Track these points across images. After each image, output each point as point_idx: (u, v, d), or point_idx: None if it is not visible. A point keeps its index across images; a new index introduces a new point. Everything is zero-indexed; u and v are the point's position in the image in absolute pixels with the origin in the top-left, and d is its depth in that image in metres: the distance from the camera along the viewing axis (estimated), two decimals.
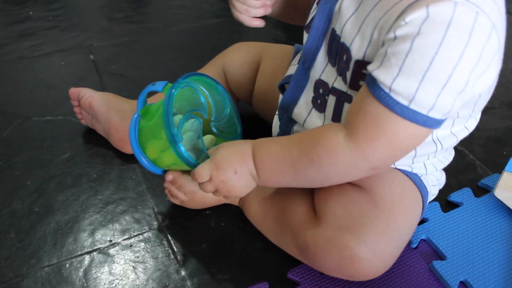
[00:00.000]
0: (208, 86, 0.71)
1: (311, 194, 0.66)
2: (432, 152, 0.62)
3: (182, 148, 0.62)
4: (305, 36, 0.63)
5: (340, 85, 0.59)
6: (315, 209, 0.63)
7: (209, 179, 0.59)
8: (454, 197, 0.77)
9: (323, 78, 0.61)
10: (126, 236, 0.70)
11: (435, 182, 0.68)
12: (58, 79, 1.01)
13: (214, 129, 0.71)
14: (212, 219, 0.73)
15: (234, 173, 0.59)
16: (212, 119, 0.70)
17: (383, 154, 0.52)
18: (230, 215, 0.74)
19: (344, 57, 0.56)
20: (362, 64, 0.54)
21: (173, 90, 0.63)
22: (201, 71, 0.87)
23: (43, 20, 1.20)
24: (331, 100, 0.61)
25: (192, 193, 0.71)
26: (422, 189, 0.64)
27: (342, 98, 0.59)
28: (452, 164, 0.70)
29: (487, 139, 0.91)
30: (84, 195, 0.76)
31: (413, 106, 0.48)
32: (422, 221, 0.72)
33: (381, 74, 0.48)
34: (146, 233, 0.71)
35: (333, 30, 0.58)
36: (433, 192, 0.68)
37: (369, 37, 0.52)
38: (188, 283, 0.65)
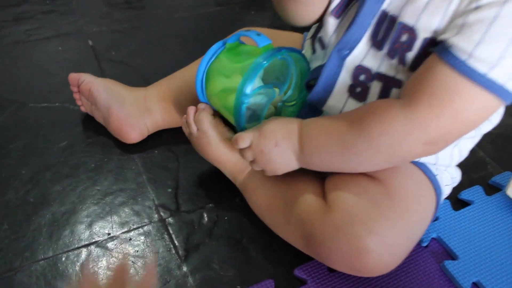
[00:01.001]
0: (300, 68, 0.65)
1: (321, 183, 0.63)
2: (470, 136, 0.61)
3: (245, 105, 0.61)
4: (331, 21, 0.60)
5: (388, 69, 0.56)
6: (324, 198, 0.61)
7: (249, 145, 0.60)
8: (465, 195, 0.75)
9: (365, 63, 0.57)
10: (125, 229, 0.68)
11: (449, 181, 0.66)
12: (55, 65, 0.97)
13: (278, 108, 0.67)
14: (216, 213, 0.70)
15: (275, 146, 0.58)
16: (284, 99, 0.66)
17: (446, 125, 0.49)
18: (234, 209, 0.71)
19: (405, 37, 0.52)
20: (430, 41, 0.51)
21: (278, 56, 0.61)
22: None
23: (41, 4, 1.16)
24: (375, 87, 0.57)
25: (203, 133, 0.69)
26: (436, 188, 0.61)
27: (390, 84, 0.56)
28: (463, 161, 0.67)
29: (498, 136, 0.88)
30: (82, 186, 0.73)
31: (492, 74, 0.46)
32: (433, 220, 0.70)
33: (460, 40, 0.47)
34: (146, 226, 0.68)
35: (383, 12, 0.54)
36: (446, 192, 0.66)
37: (441, 12, 0.50)
38: (190, 279, 0.62)
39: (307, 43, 0.68)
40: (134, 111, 0.78)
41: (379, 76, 0.56)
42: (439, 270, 0.64)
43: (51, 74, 0.95)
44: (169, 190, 0.73)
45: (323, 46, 0.63)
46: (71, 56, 1.00)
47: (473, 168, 0.81)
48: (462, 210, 0.72)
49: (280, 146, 0.58)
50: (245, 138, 0.60)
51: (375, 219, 0.55)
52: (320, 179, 0.64)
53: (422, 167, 0.61)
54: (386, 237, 0.54)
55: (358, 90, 0.59)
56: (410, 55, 0.53)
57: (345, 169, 0.58)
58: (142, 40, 1.07)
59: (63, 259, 0.64)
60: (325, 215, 0.57)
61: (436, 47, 0.50)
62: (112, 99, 0.78)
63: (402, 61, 0.54)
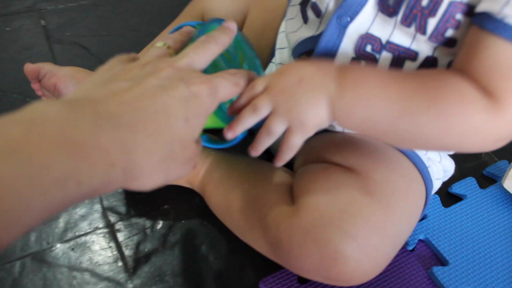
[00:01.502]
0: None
1: (288, 180, 0.55)
2: None
3: None
4: None
5: (402, 38, 0.46)
6: (292, 197, 0.52)
7: (263, 89, 0.43)
8: (456, 188, 0.67)
9: (373, 32, 0.47)
10: (68, 237, 0.59)
11: (440, 174, 0.57)
12: None
13: None
14: (170, 216, 0.61)
15: (299, 82, 0.43)
16: None
17: None
18: (193, 210, 0.62)
19: (425, 2, 0.43)
20: (458, 5, 0.41)
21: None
22: (175, 21, 0.75)
23: None
24: (385, 59, 0.47)
25: None
26: (427, 182, 0.52)
27: (403, 55, 0.46)
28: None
29: None
30: None
31: None
32: (420, 218, 0.62)
33: None
34: (90, 234, 0.59)
35: None
36: (435, 187, 0.57)
37: None
38: None
39: (293, 10, 0.57)
40: None
41: (391, 46, 0.47)
42: (427, 278, 0.56)
43: None
44: (119, 190, 0.64)
45: (318, 13, 0.51)
46: (19, 37, 0.89)
47: (465, 157, 0.72)
48: (453, 206, 0.64)
49: (306, 84, 0.43)
50: (258, 81, 0.44)
51: (351, 220, 0.46)
52: (287, 176, 0.55)
53: (413, 157, 0.53)
54: (366, 242, 0.46)
55: (363, 62, 0.49)
56: (433, 22, 0.43)
57: (391, 138, 0.45)
58: (101, 18, 0.97)
59: None
60: (292, 217, 0.48)
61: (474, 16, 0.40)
62: None
63: (421, 29, 0.44)
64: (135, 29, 0.95)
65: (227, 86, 0.40)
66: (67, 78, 0.65)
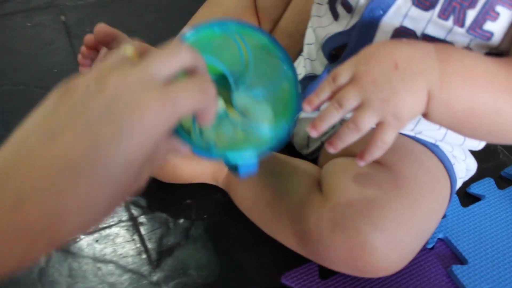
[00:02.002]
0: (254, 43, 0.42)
1: (316, 173, 0.56)
2: None
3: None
4: None
5: (438, 31, 0.45)
6: (320, 189, 0.53)
7: (350, 79, 0.38)
8: (475, 188, 0.67)
9: (407, 24, 0.46)
10: (91, 229, 0.60)
11: (463, 173, 0.58)
12: (21, 42, 0.87)
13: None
14: (193, 211, 0.62)
15: (395, 69, 0.37)
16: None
17: None
18: (214, 206, 0.63)
19: None
20: None
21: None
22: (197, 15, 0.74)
23: None
24: None
25: (166, 163, 0.58)
26: (452, 178, 0.53)
27: None
28: (471, 150, 0.60)
29: None
30: None
31: None
32: None
33: None
34: (114, 227, 0.60)
35: None
36: (458, 185, 0.58)
37: None
38: None
39: (321, 8, 0.56)
40: None
41: (426, 38, 0.46)
42: (446, 276, 0.57)
43: (14, 52, 0.86)
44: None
45: (349, 9, 0.50)
46: (40, 33, 0.90)
47: (484, 157, 0.73)
48: (472, 206, 0.64)
49: (403, 69, 0.37)
50: (342, 70, 0.39)
51: (380, 212, 0.47)
52: (314, 169, 0.56)
53: (439, 154, 0.53)
54: (393, 234, 0.47)
55: None
56: (472, 14, 0.42)
57: (480, 133, 0.42)
58: (119, 14, 0.98)
59: None
60: (321, 208, 0.49)
61: None
62: None
63: (460, 21, 0.43)
64: (152, 25, 0.95)
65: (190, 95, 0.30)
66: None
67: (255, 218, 0.57)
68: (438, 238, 0.61)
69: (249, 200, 0.57)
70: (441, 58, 0.38)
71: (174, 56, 0.30)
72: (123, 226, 0.60)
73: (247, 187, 0.57)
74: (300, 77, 0.62)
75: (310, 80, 0.58)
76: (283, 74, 0.39)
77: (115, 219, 0.61)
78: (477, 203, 0.65)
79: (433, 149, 0.53)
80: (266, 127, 0.39)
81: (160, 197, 0.63)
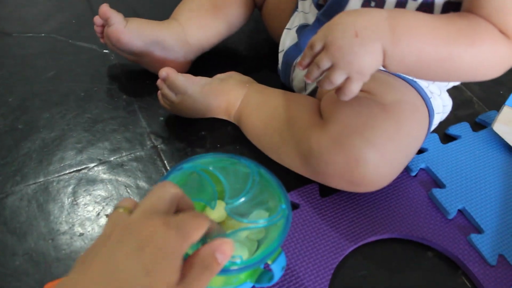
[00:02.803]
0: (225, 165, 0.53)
1: (315, 103, 0.64)
2: None
3: None
4: None
5: None
6: (320, 116, 0.61)
7: (322, 47, 0.49)
8: (453, 130, 0.76)
9: None
10: (117, 155, 0.67)
11: (440, 109, 0.67)
12: None
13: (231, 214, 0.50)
14: (207, 141, 0.70)
15: (355, 36, 0.48)
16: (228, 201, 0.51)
17: None
18: (226, 137, 0.71)
19: None
20: None
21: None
22: None
23: None
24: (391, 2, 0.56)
25: (183, 94, 0.66)
26: (429, 108, 0.62)
27: None
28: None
29: None
30: (71, 113, 0.72)
31: None
32: (421, 151, 0.71)
33: None
34: (138, 153, 0.68)
35: None
36: (435, 121, 0.67)
37: None
38: None
39: None
40: (177, 49, 0.74)
41: None
42: (427, 198, 0.66)
43: (36, 3, 0.92)
44: (161, 118, 0.72)
45: None
46: None
47: (460, 107, 0.82)
48: (450, 143, 0.74)
49: (362, 36, 0.48)
50: (316, 40, 0.49)
51: (372, 130, 0.55)
52: (315, 100, 0.64)
53: (417, 87, 0.62)
54: (384, 148, 0.55)
55: (372, 4, 0.57)
56: None
57: (432, 76, 0.54)
58: None
59: (55, 183, 0.63)
60: (321, 129, 0.57)
61: None
62: (150, 44, 0.73)
63: None
64: None
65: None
66: (131, 34, 0.71)
67: (263, 145, 0.66)
68: (421, 168, 0.70)
69: (258, 128, 0.65)
70: (392, 23, 0.49)
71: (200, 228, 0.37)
72: (146, 153, 0.68)
73: (258, 117, 0.66)
74: (296, 27, 0.70)
75: (304, 28, 0.68)
76: (279, 211, 0.49)
77: (139, 147, 0.68)
78: (454, 141, 0.74)
79: (411, 83, 0.62)
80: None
81: (179, 129, 0.71)
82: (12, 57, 0.80)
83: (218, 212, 0.51)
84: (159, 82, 0.67)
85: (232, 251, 0.39)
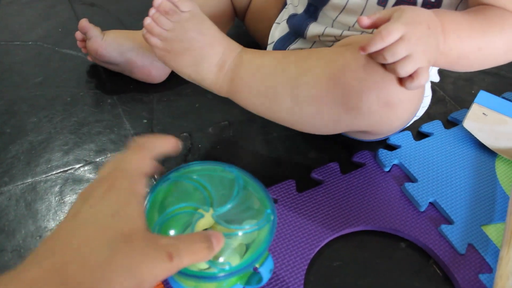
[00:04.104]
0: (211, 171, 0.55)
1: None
2: None
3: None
4: None
5: None
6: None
7: (400, 38, 0.50)
8: (425, 128, 0.80)
9: None
10: (103, 156, 0.70)
11: (427, 92, 0.70)
12: (25, 5, 0.97)
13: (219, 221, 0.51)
14: (190, 141, 0.73)
15: (428, 28, 0.51)
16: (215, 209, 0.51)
17: None
18: (207, 138, 0.74)
19: None
20: None
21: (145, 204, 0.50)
22: None
23: None
24: None
25: (173, 31, 0.60)
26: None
27: None
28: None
29: (457, 78, 0.94)
30: (58, 117, 0.75)
31: None
32: (394, 148, 0.75)
33: None
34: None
35: None
36: (417, 116, 0.71)
37: None
38: None
39: None
40: (153, 54, 0.76)
41: None
42: (400, 192, 0.69)
43: (23, 12, 0.95)
44: (144, 121, 0.75)
45: None
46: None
47: (434, 106, 0.86)
48: (423, 140, 0.77)
49: (432, 31, 0.52)
50: (391, 30, 0.49)
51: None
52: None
53: None
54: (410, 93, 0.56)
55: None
56: None
57: (469, 65, 0.59)
58: None
59: (42, 183, 0.66)
60: (353, 55, 0.55)
61: None
62: (128, 54, 0.76)
63: None
64: None
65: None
66: (109, 46, 0.75)
67: (273, 85, 0.59)
68: (394, 164, 0.73)
69: (268, 66, 0.60)
70: (441, 19, 0.54)
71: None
72: None
73: (268, 57, 0.61)
74: (285, 20, 0.74)
75: (294, 16, 0.71)
76: (265, 216, 0.51)
77: (123, 148, 0.71)
78: (427, 138, 0.78)
79: None
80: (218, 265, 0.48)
81: (160, 131, 0.74)
82: (0, 64, 0.83)
83: (206, 219, 0.51)
84: (151, 12, 0.62)
85: (222, 243, 0.42)
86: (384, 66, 0.54)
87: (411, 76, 0.52)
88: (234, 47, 0.63)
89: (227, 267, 0.47)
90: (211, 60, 0.61)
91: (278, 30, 0.75)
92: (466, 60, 0.57)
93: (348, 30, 0.66)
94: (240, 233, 0.50)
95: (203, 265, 0.48)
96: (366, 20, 0.51)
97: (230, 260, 0.48)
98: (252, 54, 0.62)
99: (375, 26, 0.52)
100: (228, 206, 0.51)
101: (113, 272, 0.34)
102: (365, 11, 0.64)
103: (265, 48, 0.79)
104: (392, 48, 0.50)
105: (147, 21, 0.62)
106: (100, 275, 0.33)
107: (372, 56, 0.53)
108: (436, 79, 0.74)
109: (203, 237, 0.40)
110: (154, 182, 0.51)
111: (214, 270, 0.47)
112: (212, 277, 0.46)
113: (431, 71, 0.68)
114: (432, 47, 0.52)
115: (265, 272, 0.51)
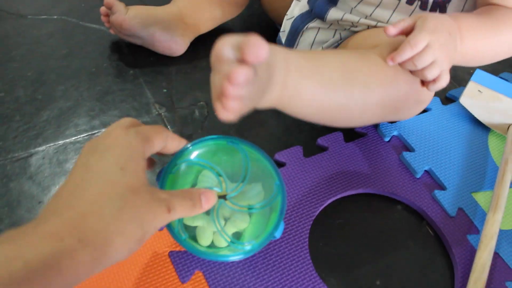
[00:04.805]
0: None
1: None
2: None
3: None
4: None
5: None
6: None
7: (426, 46, 0.55)
8: None
9: None
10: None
11: None
12: None
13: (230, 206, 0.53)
14: (206, 110, 0.79)
15: (449, 35, 0.57)
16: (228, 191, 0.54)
17: None
18: None
19: None
20: None
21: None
22: None
23: None
24: None
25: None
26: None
27: None
28: None
29: None
30: (84, 86, 0.81)
31: None
32: (393, 121, 0.81)
33: None
34: (145, 119, 0.77)
35: None
36: None
37: None
38: None
39: None
40: (175, 29, 0.84)
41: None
42: (398, 160, 0.75)
43: None
44: (164, 90, 0.81)
45: None
46: None
47: None
48: (421, 114, 0.83)
49: (452, 37, 0.58)
50: (418, 40, 0.55)
51: None
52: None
53: None
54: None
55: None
56: None
57: (481, 61, 0.66)
58: None
59: (71, 145, 0.72)
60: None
61: None
62: (150, 28, 0.82)
63: None
64: None
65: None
66: (132, 20, 0.81)
67: (336, 107, 0.58)
68: (393, 135, 0.79)
69: (325, 91, 0.56)
70: (458, 24, 0.60)
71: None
72: (152, 119, 0.77)
73: (317, 79, 0.56)
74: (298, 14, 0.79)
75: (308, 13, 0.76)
76: (275, 188, 0.54)
77: (145, 114, 0.77)
78: (425, 113, 0.84)
79: None
80: (246, 240, 0.52)
81: (179, 100, 0.80)
82: (29, 37, 0.89)
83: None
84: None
85: (213, 201, 0.46)
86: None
87: (433, 80, 0.59)
88: (290, 63, 0.52)
89: (250, 246, 0.52)
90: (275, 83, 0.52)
91: (299, 6, 0.81)
92: (480, 58, 0.65)
93: (365, 18, 0.72)
94: (254, 211, 0.54)
95: (223, 243, 0.52)
96: (392, 30, 0.57)
97: (250, 236, 0.53)
98: (309, 65, 0.54)
99: (401, 34, 0.58)
100: (240, 188, 0.53)
101: (125, 222, 0.37)
102: (382, 3, 0.70)
103: (280, 24, 0.84)
104: (420, 56, 0.55)
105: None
106: (114, 226, 0.37)
107: (402, 65, 0.58)
108: None
109: (193, 194, 0.45)
110: (162, 168, 0.53)
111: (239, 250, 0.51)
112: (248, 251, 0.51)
113: None
114: (452, 51, 0.58)
115: (279, 233, 0.55)
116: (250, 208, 0.54)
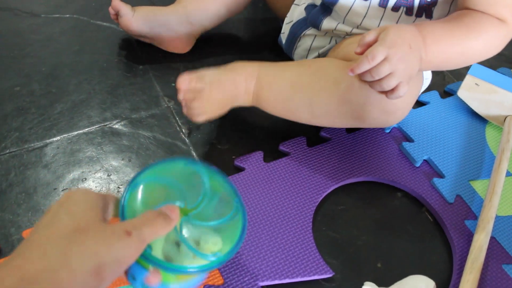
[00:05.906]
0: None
1: (334, 57, 0.74)
2: None
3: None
4: None
5: None
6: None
7: (384, 59, 0.57)
8: (423, 97, 0.88)
9: None
10: (137, 114, 0.79)
11: (427, 75, 0.79)
12: None
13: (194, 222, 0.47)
14: None
15: (409, 48, 0.59)
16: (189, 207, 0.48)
17: None
18: None
19: None
20: None
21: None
22: None
23: None
24: None
25: (202, 89, 0.68)
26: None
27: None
28: None
29: None
30: (96, 80, 0.84)
31: None
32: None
33: None
34: (154, 111, 0.80)
35: None
36: (425, 83, 0.80)
37: None
38: (193, 152, 0.75)
39: None
40: (181, 28, 0.87)
41: None
42: (398, 150, 0.78)
43: None
44: (173, 84, 0.84)
45: None
46: None
47: (432, 78, 0.93)
48: (420, 108, 0.86)
49: (413, 50, 0.59)
50: (376, 53, 0.57)
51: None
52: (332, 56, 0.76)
53: None
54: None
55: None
56: None
57: (452, 66, 0.68)
58: None
59: (84, 136, 0.75)
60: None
61: None
62: (156, 29, 0.86)
63: None
64: None
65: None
66: (138, 22, 0.85)
67: (292, 105, 0.70)
68: (394, 127, 0.82)
69: (285, 91, 0.69)
70: (423, 35, 0.62)
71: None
72: (161, 112, 0.80)
73: (282, 81, 0.70)
74: (304, 5, 0.82)
75: (312, 7, 0.79)
76: (234, 207, 0.50)
77: (154, 107, 0.80)
78: (424, 106, 0.86)
79: None
80: (209, 254, 0.46)
81: None
82: (42, 34, 0.92)
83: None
84: (180, 96, 0.69)
85: (178, 214, 0.44)
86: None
87: (392, 89, 0.61)
88: (252, 71, 0.70)
89: (216, 257, 0.46)
90: (239, 91, 0.70)
91: (297, 11, 0.84)
92: (450, 63, 0.67)
93: (357, 28, 0.75)
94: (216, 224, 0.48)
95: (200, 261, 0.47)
96: (358, 50, 0.61)
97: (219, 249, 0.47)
98: (269, 78, 0.70)
99: (368, 48, 0.60)
100: (202, 206, 0.49)
101: (71, 257, 0.36)
102: (367, 14, 0.72)
103: (283, 21, 0.88)
104: (377, 69, 0.58)
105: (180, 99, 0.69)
106: (59, 263, 0.36)
107: (360, 76, 0.60)
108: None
109: (157, 211, 0.42)
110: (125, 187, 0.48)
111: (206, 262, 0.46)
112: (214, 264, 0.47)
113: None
114: (412, 63, 0.60)
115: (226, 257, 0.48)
116: (213, 224, 0.49)
